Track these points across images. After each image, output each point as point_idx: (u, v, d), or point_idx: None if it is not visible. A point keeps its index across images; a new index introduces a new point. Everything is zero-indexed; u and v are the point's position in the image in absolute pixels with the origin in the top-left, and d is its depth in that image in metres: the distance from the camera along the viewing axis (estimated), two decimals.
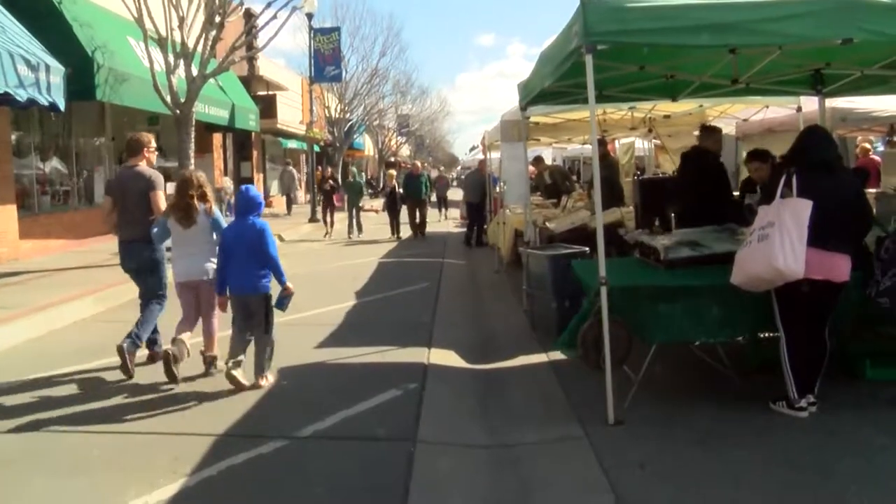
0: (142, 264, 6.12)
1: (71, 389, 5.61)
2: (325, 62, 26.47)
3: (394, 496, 3.74)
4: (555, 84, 6.04)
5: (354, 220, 17.80)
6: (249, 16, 17.75)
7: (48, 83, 9.37)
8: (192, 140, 12.62)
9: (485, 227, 15.31)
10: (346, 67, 31.42)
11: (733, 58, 5.87)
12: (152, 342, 6.24)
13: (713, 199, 6.48)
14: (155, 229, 5.84)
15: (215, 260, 5.65)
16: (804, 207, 4.25)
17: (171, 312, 6.26)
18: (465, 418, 5.03)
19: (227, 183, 23.16)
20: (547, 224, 8.85)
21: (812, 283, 4.30)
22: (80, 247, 14.01)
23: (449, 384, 5.77)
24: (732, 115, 10.86)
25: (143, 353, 6.16)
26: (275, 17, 13.51)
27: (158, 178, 6.13)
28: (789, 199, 4.37)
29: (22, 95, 8.82)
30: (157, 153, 6.46)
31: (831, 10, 4.14)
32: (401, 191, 17.98)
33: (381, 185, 32.29)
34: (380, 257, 13.64)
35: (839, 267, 4.41)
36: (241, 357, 5.42)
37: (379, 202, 24.25)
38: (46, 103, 9.34)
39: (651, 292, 4.86)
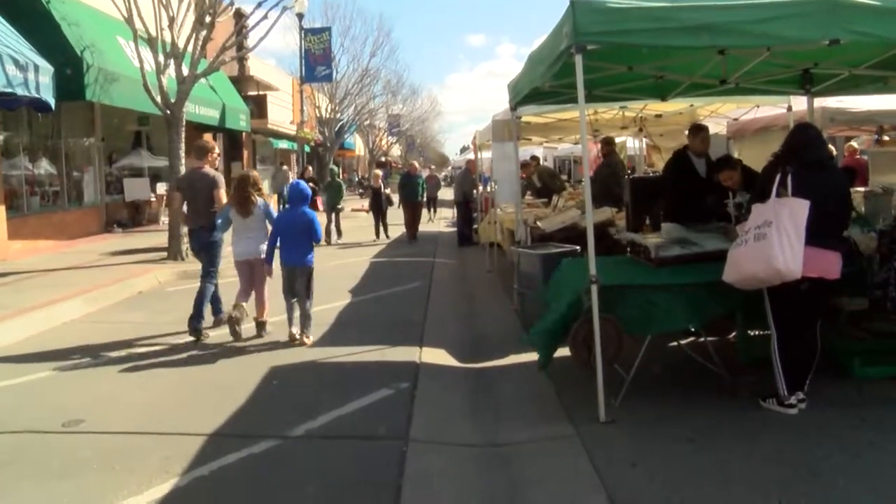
0: (204, 246, 7.39)
1: (60, 390, 5.59)
2: (315, 62, 26.49)
3: (386, 495, 3.75)
4: (545, 84, 6.06)
5: (333, 224, 16.56)
6: (240, 16, 17.72)
7: (37, 83, 9.32)
8: (183, 140, 12.57)
9: (475, 226, 15.33)
10: (337, 67, 31.48)
11: (722, 58, 5.90)
12: (217, 311, 7.57)
13: (689, 198, 6.54)
14: (219, 219, 7.15)
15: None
16: (802, 207, 4.26)
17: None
18: (456, 417, 5.04)
19: None
20: (538, 223, 8.86)
21: (808, 280, 4.34)
22: (70, 247, 13.96)
23: (441, 383, 5.78)
24: (723, 114, 10.91)
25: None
26: (265, 17, 13.51)
27: (221, 178, 7.51)
28: (786, 199, 4.38)
29: (10, 95, 8.78)
30: (219, 157, 7.53)
31: (818, 11, 4.17)
32: (387, 191, 17.65)
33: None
34: (371, 257, 13.64)
35: (832, 264, 4.44)
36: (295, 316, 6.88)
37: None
38: (35, 103, 9.30)
39: (642, 289, 4.88)
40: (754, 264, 4.33)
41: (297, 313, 6.86)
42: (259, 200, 6.93)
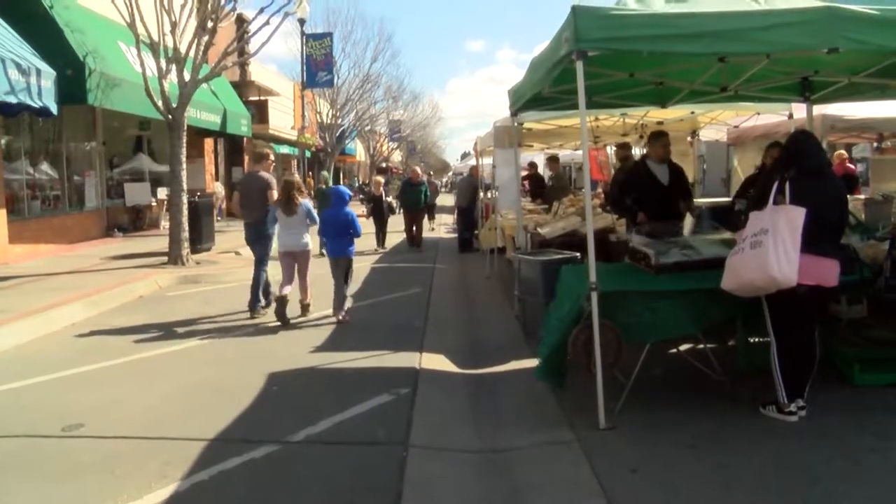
0: (258, 238, 8.56)
1: (60, 394, 5.59)
2: (317, 67, 26.51)
3: (386, 500, 3.75)
4: (546, 90, 6.08)
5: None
6: (241, 21, 17.75)
7: (39, 88, 9.35)
8: (184, 145, 12.59)
9: (476, 232, 15.31)
10: (338, 73, 31.46)
11: (722, 65, 5.92)
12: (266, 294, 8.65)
13: (651, 206, 6.55)
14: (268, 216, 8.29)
15: (307, 236, 8.27)
16: (799, 215, 4.27)
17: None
18: (456, 423, 5.04)
19: (219, 188, 23.13)
20: (538, 229, 8.87)
21: (806, 288, 4.34)
22: (71, 251, 13.96)
23: (441, 389, 5.78)
24: (724, 121, 10.93)
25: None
26: (267, 22, 13.51)
27: (273, 180, 8.67)
28: (783, 206, 4.39)
29: (13, 101, 8.80)
30: (273, 163, 9.33)
31: (817, 20, 4.20)
32: (389, 199, 17.21)
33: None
34: (372, 263, 13.64)
35: (830, 272, 4.46)
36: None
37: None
38: (37, 108, 9.32)
39: (642, 296, 4.89)
40: (751, 272, 4.34)
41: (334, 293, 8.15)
42: (301, 201, 8.10)
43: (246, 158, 26.48)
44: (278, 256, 8.33)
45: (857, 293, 5.28)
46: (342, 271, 8.20)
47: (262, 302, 8.53)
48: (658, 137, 6.96)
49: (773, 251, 4.22)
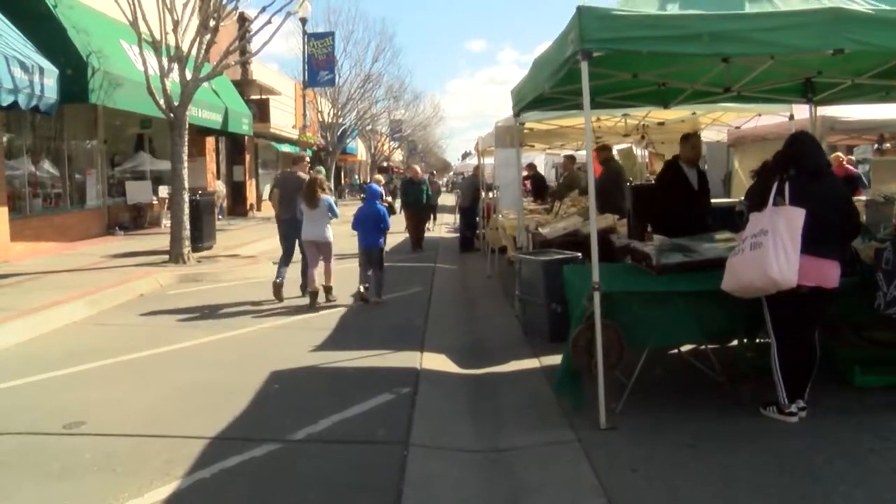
0: (294, 233, 9.37)
1: (62, 392, 5.59)
2: (318, 67, 26.54)
3: (386, 499, 3.75)
4: (548, 90, 6.07)
5: None
6: (243, 20, 17.71)
7: (42, 85, 9.37)
8: (186, 143, 12.59)
9: (477, 232, 15.30)
10: (340, 72, 31.45)
11: (726, 66, 5.92)
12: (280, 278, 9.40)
13: (679, 209, 6.50)
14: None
15: (329, 228, 9.02)
16: (798, 216, 4.28)
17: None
18: (457, 422, 5.04)
19: (220, 186, 23.13)
20: (539, 229, 8.87)
21: (806, 289, 4.34)
22: (71, 249, 13.96)
23: (441, 388, 5.78)
24: (725, 122, 10.92)
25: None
26: (269, 21, 13.51)
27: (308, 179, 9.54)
28: (783, 207, 4.39)
29: (16, 98, 8.82)
30: (309, 164, 10.57)
31: (822, 21, 4.20)
32: (388, 198, 17.13)
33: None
34: None
35: (830, 273, 4.45)
36: (366, 284, 9.23)
37: None
38: (40, 106, 9.33)
39: (644, 297, 4.89)
40: (750, 273, 4.35)
41: (371, 281, 9.20)
42: (323, 196, 8.91)
43: (248, 157, 26.56)
44: (304, 245, 9.14)
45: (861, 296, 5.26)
46: (375, 262, 9.20)
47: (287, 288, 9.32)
48: (687, 139, 6.87)
49: (773, 252, 4.23)
